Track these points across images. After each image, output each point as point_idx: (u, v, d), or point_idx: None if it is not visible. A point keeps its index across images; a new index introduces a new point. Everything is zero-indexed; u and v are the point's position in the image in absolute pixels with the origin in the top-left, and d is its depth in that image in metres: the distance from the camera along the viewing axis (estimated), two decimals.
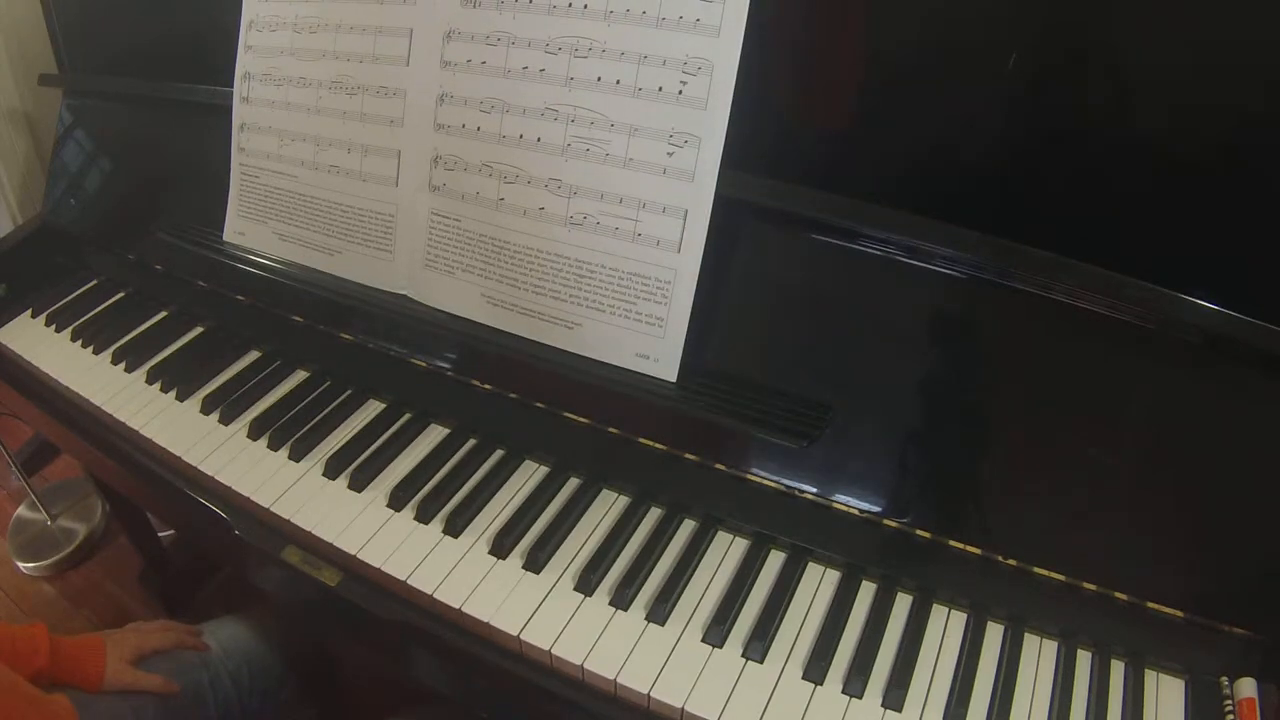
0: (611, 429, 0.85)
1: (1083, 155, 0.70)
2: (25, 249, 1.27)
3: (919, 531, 0.75)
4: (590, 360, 0.84)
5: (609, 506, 0.86)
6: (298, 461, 0.91)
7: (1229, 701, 0.68)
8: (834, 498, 0.76)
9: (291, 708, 1.00)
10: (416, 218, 0.92)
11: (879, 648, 0.73)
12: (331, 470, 0.89)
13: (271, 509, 0.86)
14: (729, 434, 0.79)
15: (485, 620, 0.74)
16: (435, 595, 0.77)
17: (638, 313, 0.81)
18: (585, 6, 0.78)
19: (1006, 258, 0.70)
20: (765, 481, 0.79)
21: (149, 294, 1.19)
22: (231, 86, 1.04)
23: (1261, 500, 0.67)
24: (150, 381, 1.04)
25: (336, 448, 0.92)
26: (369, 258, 0.97)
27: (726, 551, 0.81)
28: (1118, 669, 0.72)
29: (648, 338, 0.81)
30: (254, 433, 0.94)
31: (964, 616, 0.76)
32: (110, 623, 1.59)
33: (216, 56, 1.05)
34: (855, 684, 0.70)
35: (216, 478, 0.90)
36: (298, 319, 1.03)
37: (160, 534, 1.55)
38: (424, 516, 0.84)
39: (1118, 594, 0.70)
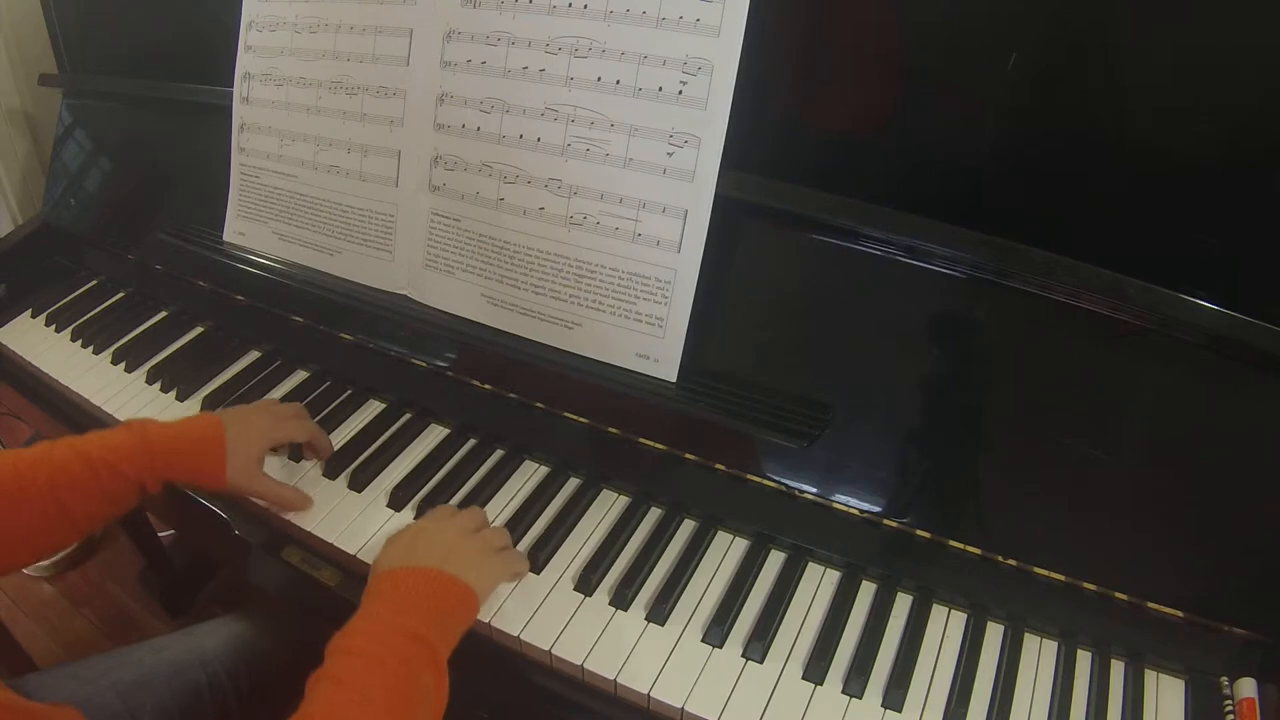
0: (611, 429, 0.85)
1: (1083, 155, 0.70)
2: (25, 249, 1.27)
3: (919, 531, 0.75)
4: (590, 360, 0.84)
5: (609, 506, 0.86)
6: (297, 462, 0.90)
7: (1229, 701, 0.68)
8: (834, 498, 0.76)
9: (290, 708, 0.99)
10: (416, 218, 0.92)
11: (879, 648, 0.73)
12: (331, 470, 0.89)
13: (271, 508, 0.85)
14: (729, 434, 0.79)
15: (485, 620, 0.74)
16: None
17: (638, 313, 0.81)
18: (585, 6, 0.78)
19: (1006, 258, 0.70)
20: (765, 481, 0.79)
21: (149, 294, 1.19)
22: (231, 86, 1.04)
23: (1261, 500, 0.67)
24: (150, 381, 1.04)
25: (336, 447, 0.92)
26: (369, 258, 0.97)
27: (726, 551, 0.81)
28: (1118, 669, 0.72)
29: (648, 338, 0.81)
30: None
31: (964, 616, 0.76)
32: (110, 623, 1.59)
33: (216, 56, 1.05)
34: (855, 684, 0.70)
35: None
36: (298, 319, 1.03)
37: (160, 534, 1.55)
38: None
39: (1118, 594, 0.70)
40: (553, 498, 0.87)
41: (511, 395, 0.90)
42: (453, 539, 0.73)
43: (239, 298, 1.08)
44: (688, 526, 0.84)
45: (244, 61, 1.03)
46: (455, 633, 0.67)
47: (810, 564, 0.80)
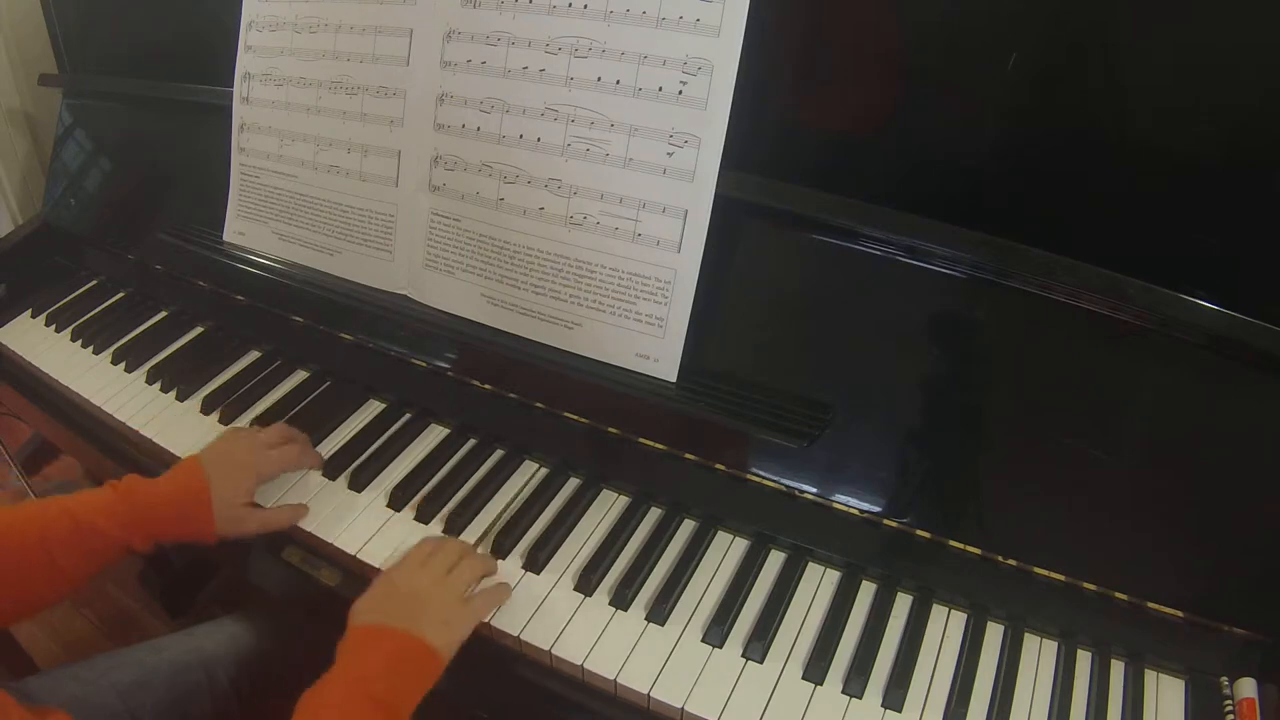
0: (611, 429, 0.85)
1: (1083, 155, 0.70)
2: (25, 249, 1.27)
3: (919, 531, 0.75)
4: (590, 360, 0.84)
5: (609, 506, 0.86)
6: None
7: (1229, 701, 0.68)
8: (834, 498, 0.76)
9: (289, 708, 0.99)
10: (416, 218, 0.92)
11: (879, 648, 0.73)
12: (331, 470, 0.89)
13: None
14: (729, 434, 0.79)
15: (485, 620, 0.74)
16: None
17: (638, 313, 0.81)
18: (585, 6, 0.78)
19: (1006, 258, 0.70)
20: (765, 481, 0.79)
21: (149, 294, 1.19)
22: (231, 86, 1.04)
23: (1261, 500, 0.67)
24: (150, 381, 1.04)
25: (336, 448, 0.92)
26: (369, 258, 0.97)
27: (726, 551, 0.81)
28: (1118, 669, 0.72)
29: (648, 338, 0.81)
30: None
31: (964, 616, 0.76)
32: (110, 623, 1.59)
33: (217, 56, 1.05)
34: (855, 684, 0.70)
35: None
36: (298, 319, 1.03)
37: None
38: (424, 517, 0.84)
39: (1118, 594, 0.70)
40: (553, 498, 0.87)
41: (511, 395, 0.90)
42: (425, 593, 0.73)
43: (239, 298, 1.08)
44: (688, 526, 0.84)
45: (244, 61, 1.03)
46: (418, 694, 0.68)
47: (810, 564, 0.80)
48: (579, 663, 0.72)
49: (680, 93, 0.76)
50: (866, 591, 0.78)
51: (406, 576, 0.75)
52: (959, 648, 0.73)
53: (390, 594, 0.74)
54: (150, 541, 0.79)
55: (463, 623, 0.73)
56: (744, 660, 0.72)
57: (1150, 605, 0.69)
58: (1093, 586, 0.71)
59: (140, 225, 1.18)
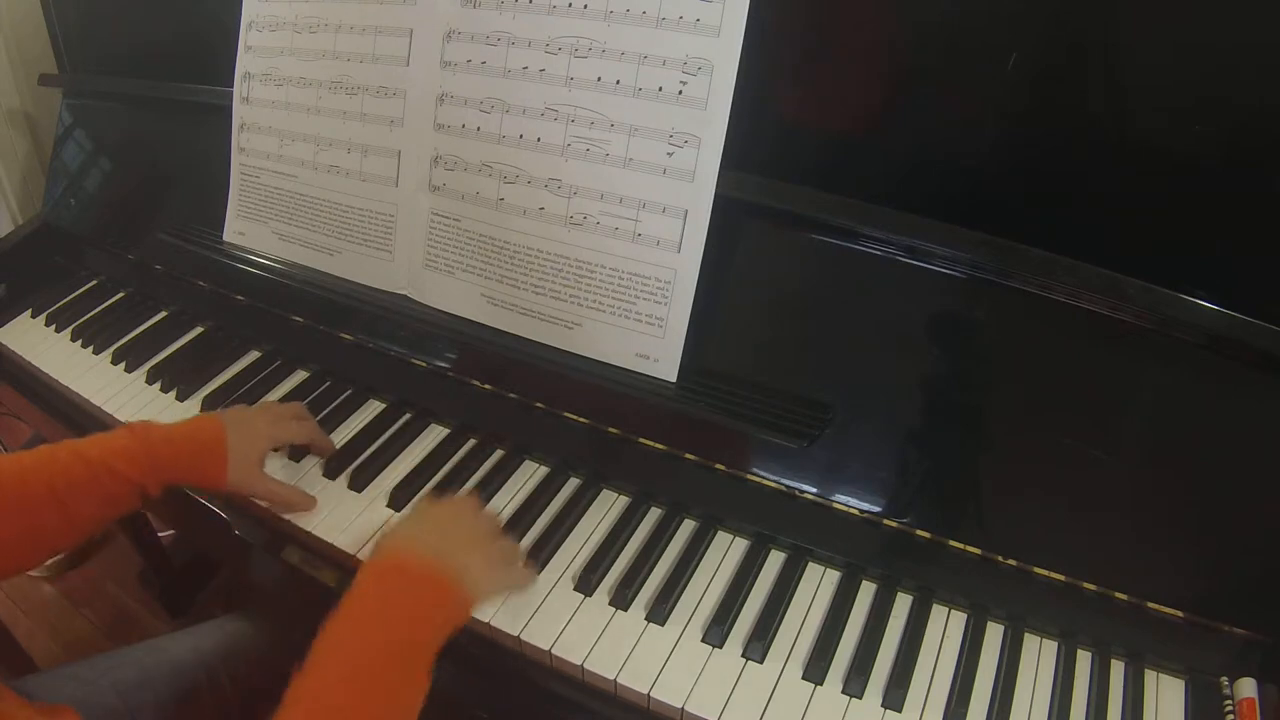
0: (611, 429, 0.85)
1: (1083, 155, 0.70)
2: (25, 249, 1.27)
3: (919, 531, 0.75)
4: (590, 360, 0.84)
5: (609, 506, 0.86)
6: (297, 461, 0.90)
7: (1229, 701, 0.68)
8: (834, 498, 0.76)
9: None
10: (416, 218, 0.92)
11: (879, 648, 0.73)
12: (331, 470, 0.89)
13: (270, 508, 0.85)
14: (729, 434, 0.79)
15: (485, 620, 0.74)
16: None
17: (638, 313, 0.81)
18: (585, 6, 0.78)
19: (1006, 258, 0.70)
20: (765, 481, 0.79)
21: (149, 294, 1.19)
22: (231, 86, 1.04)
23: (1261, 500, 0.67)
24: (150, 381, 1.04)
25: (336, 448, 0.92)
26: (369, 258, 0.97)
27: (726, 551, 0.81)
28: (1118, 669, 0.72)
29: (648, 338, 0.81)
30: None
31: (964, 616, 0.76)
32: (110, 623, 1.59)
33: (217, 56, 1.05)
34: (855, 684, 0.70)
35: None
36: (298, 319, 1.03)
37: (160, 534, 1.55)
38: None
39: (1118, 594, 0.70)
40: (553, 498, 0.87)
41: (511, 395, 0.90)
42: (468, 541, 0.72)
43: (239, 298, 1.08)
44: (688, 526, 0.84)
45: (244, 61, 1.03)
46: (444, 636, 0.67)
47: (810, 564, 0.80)
48: (579, 663, 0.72)
49: (680, 93, 0.76)
50: (866, 591, 0.78)
51: (452, 520, 0.73)
52: (959, 648, 0.73)
53: (443, 533, 0.71)
54: (163, 486, 0.78)
55: (500, 583, 0.72)
56: (744, 660, 0.72)
57: (1150, 605, 0.69)
58: (1093, 586, 0.71)
59: (140, 225, 1.18)
